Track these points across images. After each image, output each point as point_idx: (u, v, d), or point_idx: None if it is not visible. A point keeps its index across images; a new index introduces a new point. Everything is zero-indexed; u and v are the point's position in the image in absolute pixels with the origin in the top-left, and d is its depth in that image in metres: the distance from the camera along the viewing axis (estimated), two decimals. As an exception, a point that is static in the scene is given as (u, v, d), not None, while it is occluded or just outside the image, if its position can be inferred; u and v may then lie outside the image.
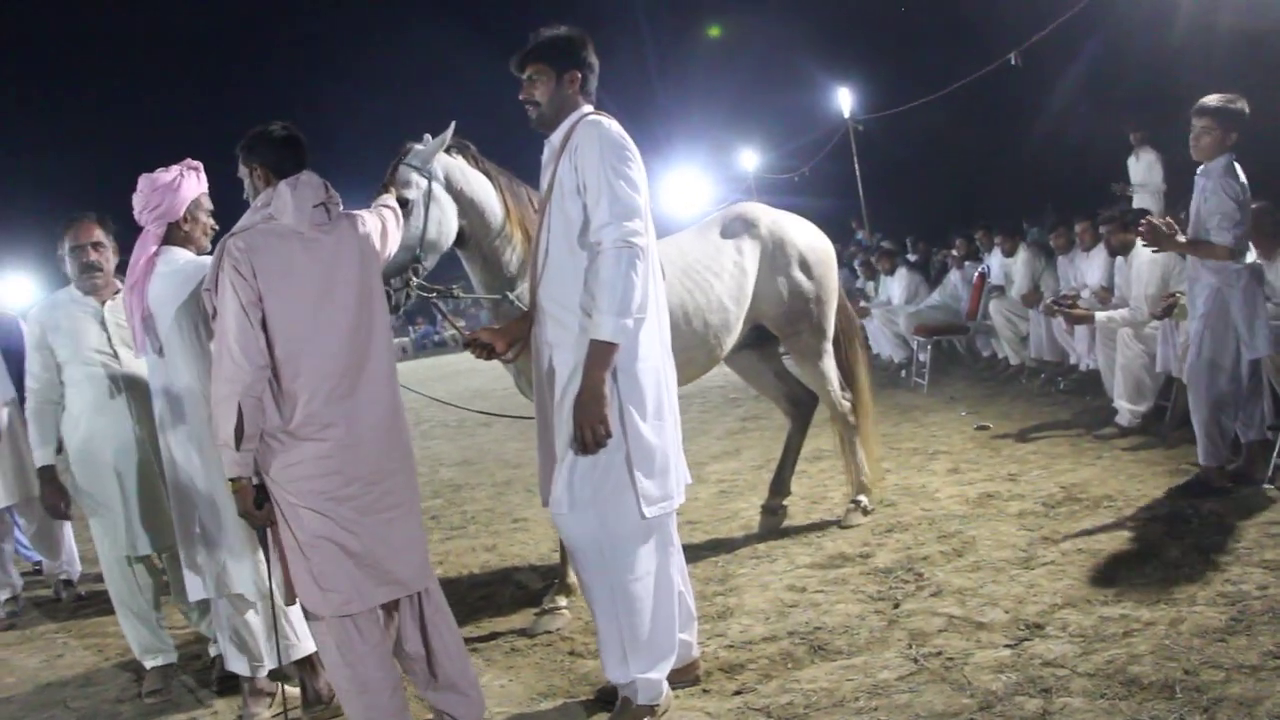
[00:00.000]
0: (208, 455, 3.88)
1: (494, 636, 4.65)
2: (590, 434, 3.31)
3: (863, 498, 5.73)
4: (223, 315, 3.22)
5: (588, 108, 3.63)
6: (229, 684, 4.36)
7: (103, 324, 4.58)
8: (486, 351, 3.79)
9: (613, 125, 3.50)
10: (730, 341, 5.22)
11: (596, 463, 3.40)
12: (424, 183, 4.29)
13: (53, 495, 4.70)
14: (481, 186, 4.52)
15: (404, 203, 4.21)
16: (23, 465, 6.23)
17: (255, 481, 3.26)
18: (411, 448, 3.55)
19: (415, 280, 4.34)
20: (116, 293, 4.64)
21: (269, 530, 3.36)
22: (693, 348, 4.94)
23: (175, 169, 4.04)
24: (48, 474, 4.67)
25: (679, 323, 4.79)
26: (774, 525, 5.72)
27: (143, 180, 4.01)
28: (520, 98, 3.65)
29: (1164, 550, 4.48)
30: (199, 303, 3.85)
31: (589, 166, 3.40)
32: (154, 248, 3.95)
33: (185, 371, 3.91)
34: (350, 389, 3.29)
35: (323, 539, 3.23)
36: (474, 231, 4.50)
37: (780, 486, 5.84)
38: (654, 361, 3.52)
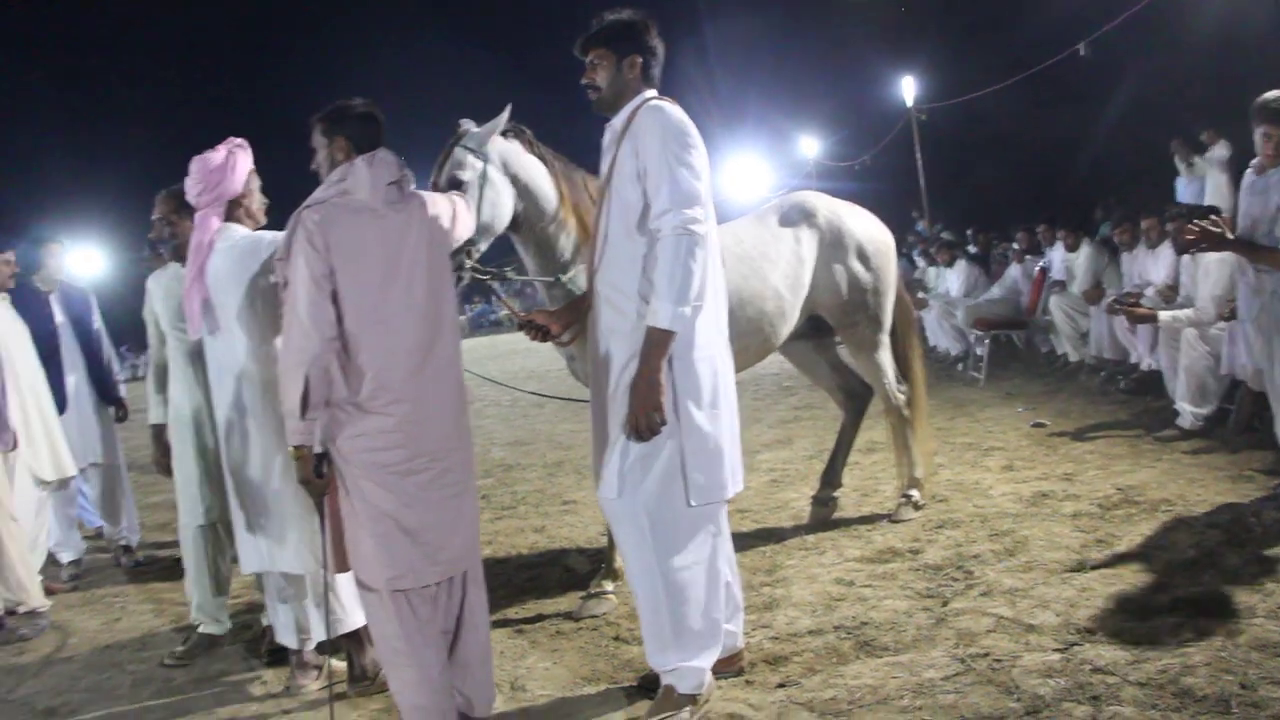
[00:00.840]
0: (263, 431, 3.95)
1: (539, 619, 4.68)
2: (644, 421, 3.31)
3: (914, 492, 5.68)
4: (294, 285, 3.25)
5: (650, 92, 3.62)
6: (278, 656, 4.43)
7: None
8: (541, 334, 3.85)
9: (675, 110, 3.50)
10: (785, 330, 5.18)
11: (648, 450, 3.40)
12: (479, 165, 4.29)
13: (159, 452, 4.96)
14: (536, 171, 4.51)
15: (458, 184, 4.22)
16: (89, 431, 6.37)
17: (318, 450, 3.29)
18: (471, 428, 3.58)
19: (469, 262, 4.36)
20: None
21: (325, 501, 3.39)
22: (746, 335, 4.90)
23: (223, 148, 4.11)
24: (156, 432, 4.97)
25: (733, 309, 4.72)
26: (824, 516, 5.69)
27: (195, 163, 4.08)
28: (582, 81, 3.65)
29: (1223, 558, 4.38)
30: (256, 278, 3.92)
31: (650, 152, 3.40)
32: (216, 226, 4.02)
33: (242, 347, 3.97)
34: (419, 366, 3.32)
35: (383, 513, 3.27)
36: (528, 216, 4.50)
37: (832, 477, 5.80)
38: (710, 350, 3.51)
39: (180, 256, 4.69)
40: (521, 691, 3.91)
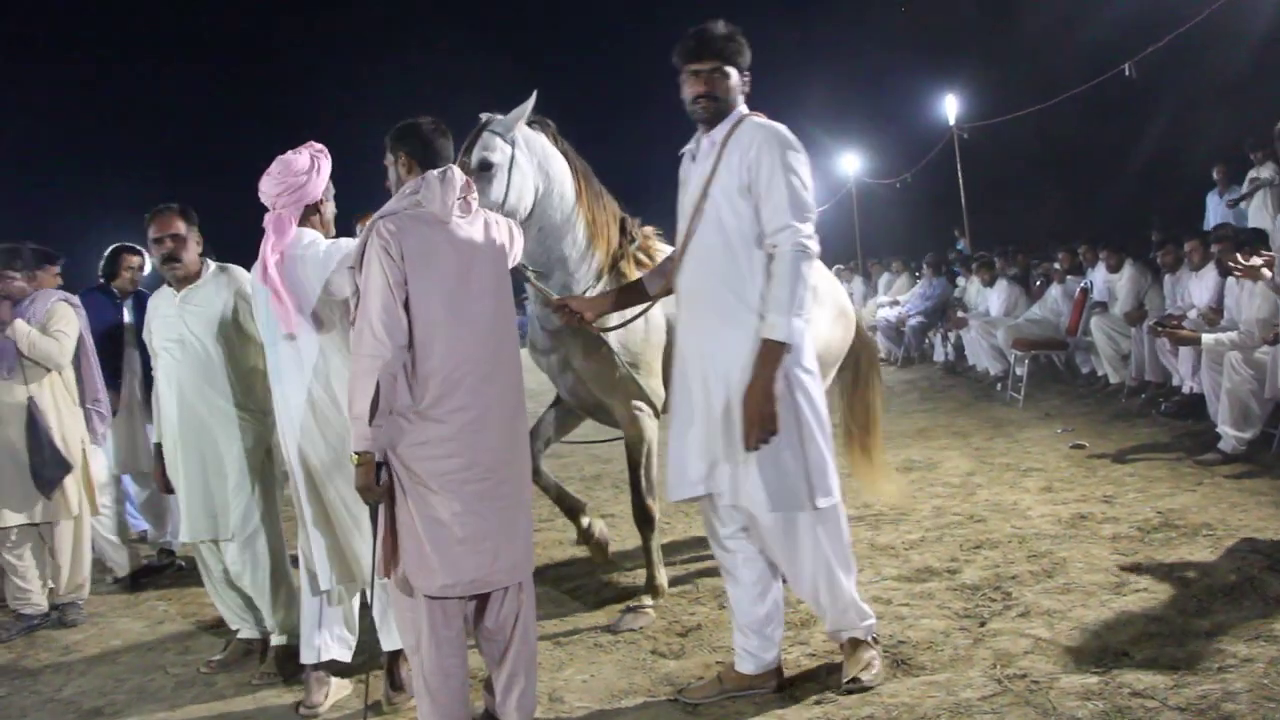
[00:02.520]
0: (337, 436, 3.94)
1: (577, 631, 4.72)
2: (758, 431, 3.43)
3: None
4: (367, 293, 3.30)
5: (743, 106, 3.73)
6: (288, 668, 4.49)
7: (175, 314, 4.66)
8: (576, 318, 4.11)
9: (781, 127, 3.62)
10: None
11: (768, 457, 3.50)
12: (508, 149, 4.32)
13: (160, 472, 4.86)
14: (559, 164, 4.56)
15: (487, 166, 4.26)
16: (137, 437, 6.49)
17: (379, 459, 3.33)
18: (529, 441, 3.63)
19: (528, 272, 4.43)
20: (194, 281, 4.72)
21: (380, 508, 3.42)
22: None
23: (306, 152, 4.08)
24: (158, 450, 4.85)
25: None
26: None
27: (278, 164, 4.03)
28: (692, 91, 3.68)
29: (1265, 585, 4.34)
30: (329, 285, 3.93)
31: (764, 167, 3.51)
32: (294, 230, 4.01)
33: (315, 352, 3.96)
34: (484, 376, 3.37)
35: (440, 520, 3.31)
36: (541, 208, 4.51)
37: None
38: (814, 359, 3.64)
39: (183, 278, 4.67)
40: (559, 703, 3.94)
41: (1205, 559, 4.76)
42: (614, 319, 4.45)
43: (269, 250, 3.96)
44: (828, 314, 5.03)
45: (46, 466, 5.48)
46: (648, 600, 4.77)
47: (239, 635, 4.85)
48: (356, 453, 3.29)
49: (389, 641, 4.08)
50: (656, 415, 4.79)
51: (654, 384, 4.72)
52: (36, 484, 5.48)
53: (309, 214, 4.09)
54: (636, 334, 4.62)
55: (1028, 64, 18.07)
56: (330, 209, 4.23)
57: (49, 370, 5.62)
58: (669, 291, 4.00)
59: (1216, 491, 6.02)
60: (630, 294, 4.28)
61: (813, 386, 3.60)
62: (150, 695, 4.53)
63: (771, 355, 3.44)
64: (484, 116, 4.41)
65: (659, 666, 4.21)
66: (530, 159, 4.42)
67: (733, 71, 3.67)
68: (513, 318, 3.59)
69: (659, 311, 4.56)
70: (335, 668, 4.22)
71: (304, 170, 4.03)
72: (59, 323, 5.65)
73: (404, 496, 3.35)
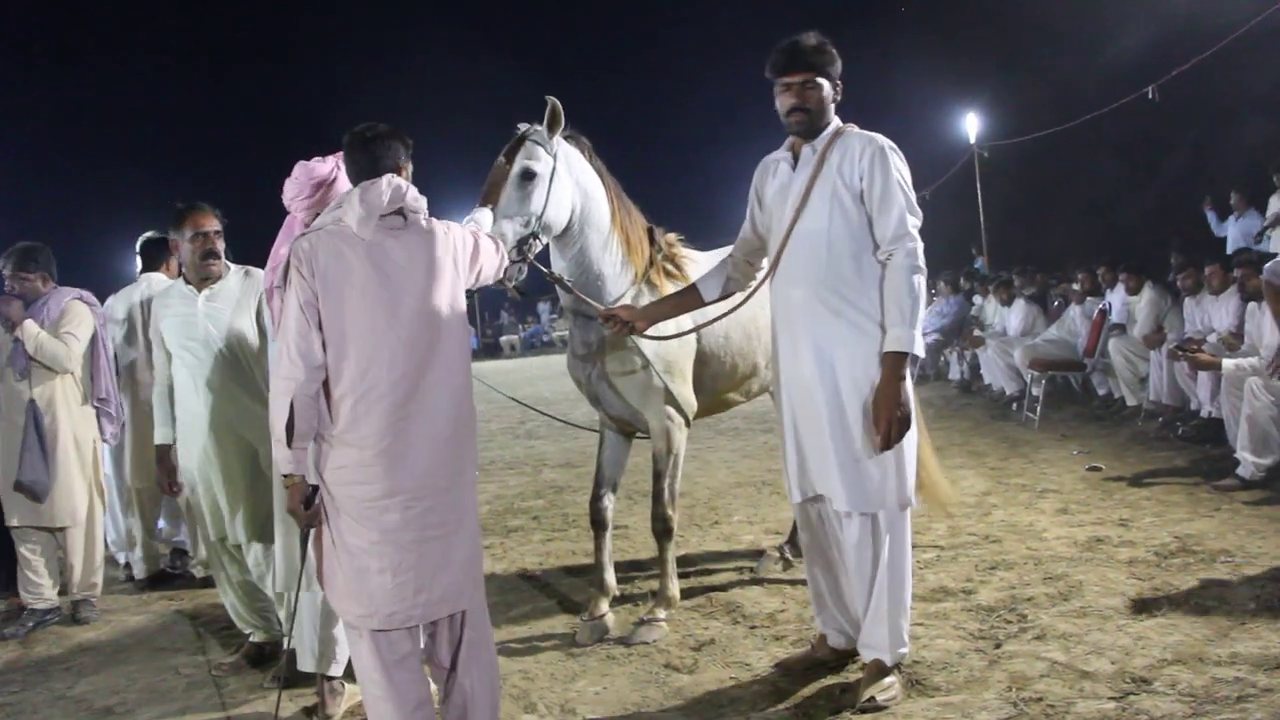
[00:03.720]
0: None
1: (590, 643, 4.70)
2: (895, 433, 3.60)
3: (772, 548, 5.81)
4: (285, 313, 3.22)
5: (836, 118, 3.85)
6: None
7: (198, 314, 4.67)
8: (626, 327, 4.18)
9: (885, 139, 3.75)
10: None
11: (868, 456, 3.68)
12: (550, 161, 4.35)
13: (162, 473, 4.87)
14: (594, 181, 4.59)
15: (530, 175, 4.30)
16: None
17: (312, 481, 3.24)
18: (471, 465, 3.39)
19: (531, 256, 4.42)
20: (217, 280, 4.75)
21: (314, 531, 3.33)
22: (749, 377, 5.21)
23: (331, 160, 4.05)
24: (161, 452, 4.84)
25: (741, 344, 5.05)
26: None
27: (300, 169, 4.02)
28: (785, 104, 3.78)
29: (1284, 613, 4.31)
30: None
31: (879, 177, 3.65)
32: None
33: None
34: (402, 400, 3.18)
35: (357, 548, 3.18)
36: (577, 222, 4.53)
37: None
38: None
39: (212, 277, 4.69)
40: (571, 715, 3.93)
41: (1224, 586, 4.72)
42: (670, 327, 4.47)
43: (277, 254, 3.99)
44: None
45: (24, 471, 5.50)
46: (660, 613, 4.76)
47: (250, 639, 4.84)
48: (284, 475, 3.23)
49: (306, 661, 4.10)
50: (688, 424, 4.80)
51: (686, 392, 4.72)
52: (16, 488, 5.52)
53: None
54: (671, 342, 4.61)
55: (1050, 85, 18.03)
56: None
57: (57, 373, 5.64)
58: (728, 295, 4.21)
59: (1235, 518, 5.97)
60: (682, 300, 4.34)
61: (912, 390, 3.72)
62: (162, 695, 4.53)
63: (898, 366, 3.60)
64: (523, 126, 4.43)
65: (672, 680, 4.19)
66: (569, 172, 4.45)
67: (824, 83, 3.75)
68: (454, 338, 3.33)
69: (688, 320, 4.56)
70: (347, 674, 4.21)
71: (321, 178, 4.02)
72: (71, 323, 5.68)
73: (327, 521, 3.25)
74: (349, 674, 4.21)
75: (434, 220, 3.40)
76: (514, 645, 4.71)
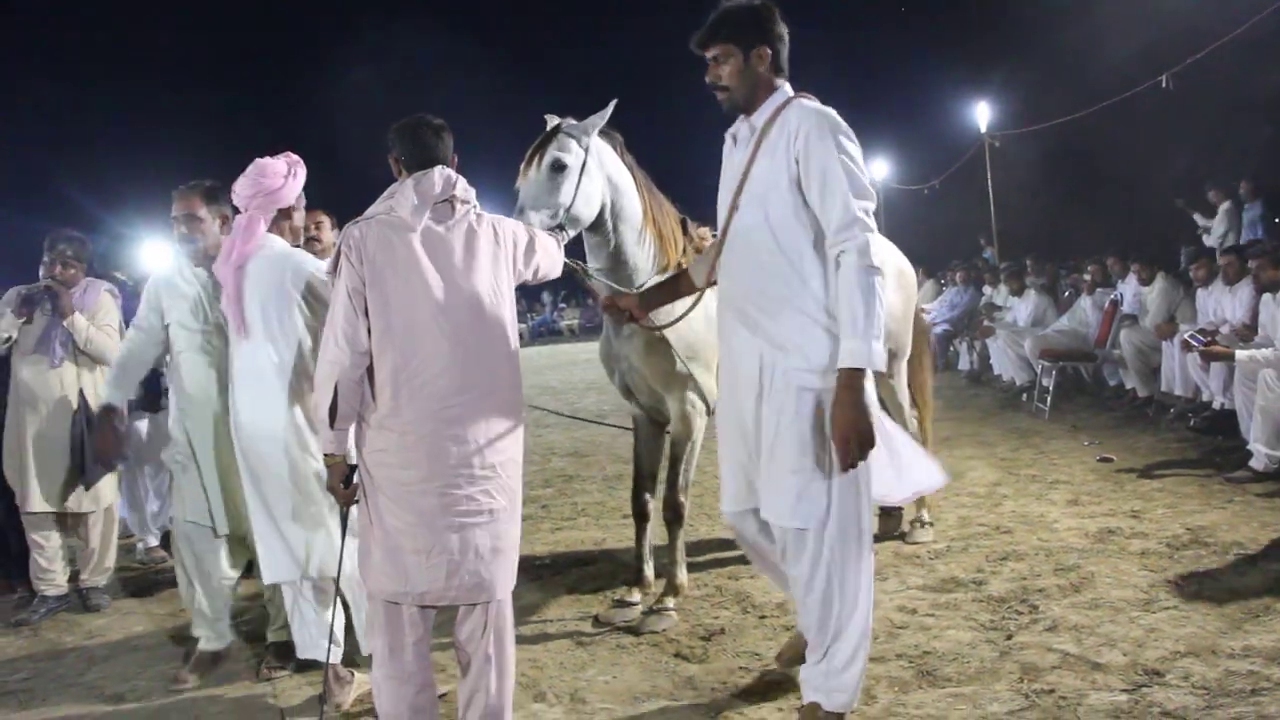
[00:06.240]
0: (289, 435, 4.01)
1: (600, 631, 4.70)
2: (855, 453, 3.13)
3: (925, 513, 5.89)
4: (334, 299, 3.29)
5: (787, 86, 3.43)
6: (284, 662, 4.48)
7: (204, 295, 4.53)
8: (627, 317, 4.11)
9: (830, 110, 3.30)
10: None
11: (803, 470, 3.26)
12: (581, 154, 4.32)
13: (103, 438, 4.79)
14: (625, 177, 4.57)
15: (560, 167, 4.26)
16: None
17: (351, 462, 3.34)
18: (517, 454, 3.41)
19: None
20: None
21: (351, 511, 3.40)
22: None
23: (283, 160, 4.15)
24: (105, 411, 4.69)
25: None
26: (891, 528, 5.84)
27: (254, 166, 4.09)
28: (707, 80, 3.44)
29: (1298, 605, 4.29)
30: (284, 288, 4.02)
31: (815, 158, 3.20)
32: (263, 232, 4.10)
33: (272, 353, 4.02)
34: (451, 388, 3.22)
35: (392, 527, 3.22)
36: (610, 218, 4.52)
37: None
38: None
39: (206, 257, 4.52)
40: (581, 704, 3.92)
41: (1236, 578, 4.70)
42: (665, 315, 4.35)
43: (234, 251, 4.05)
44: (890, 282, 4.70)
45: (89, 475, 5.55)
46: (669, 601, 4.75)
47: (200, 646, 4.60)
48: (325, 454, 3.33)
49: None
50: (709, 411, 4.78)
51: (709, 381, 4.68)
52: (82, 480, 5.57)
53: (280, 219, 4.19)
54: (695, 328, 4.53)
55: (1062, 73, 17.92)
56: (299, 218, 4.32)
57: (97, 363, 5.69)
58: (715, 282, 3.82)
59: (1247, 510, 5.94)
60: (676, 286, 4.12)
61: (875, 401, 3.25)
62: (173, 680, 4.51)
63: (854, 381, 3.12)
64: (553, 119, 4.41)
65: (682, 669, 4.19)
66: (600, 167, 4.42)
67: (739, 51, 3.34)
68: (502, 330, 3.36)
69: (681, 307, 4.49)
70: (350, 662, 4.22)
71: (278, 174, 4.09)
72: (106, 315, 5.75)
73: (365, 499, 3.31)
74: (357, 664, 4.23)
75: (485, 214, 3.46)
76: (523, 634, 4.70)
